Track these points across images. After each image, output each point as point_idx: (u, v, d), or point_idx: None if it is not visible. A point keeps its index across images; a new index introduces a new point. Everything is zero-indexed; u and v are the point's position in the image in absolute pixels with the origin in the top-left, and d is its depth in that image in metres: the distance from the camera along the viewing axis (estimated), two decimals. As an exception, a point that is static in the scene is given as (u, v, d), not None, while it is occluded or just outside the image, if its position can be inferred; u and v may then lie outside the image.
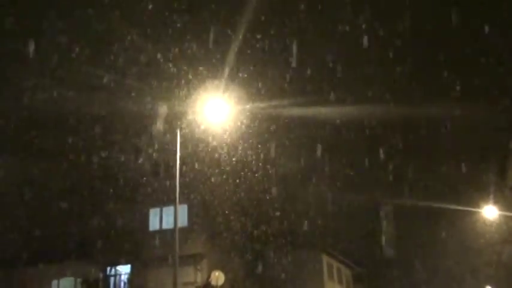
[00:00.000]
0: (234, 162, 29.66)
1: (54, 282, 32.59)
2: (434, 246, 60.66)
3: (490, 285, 59.65)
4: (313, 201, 37.84)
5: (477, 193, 33.83)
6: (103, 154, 28.84)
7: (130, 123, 27.44)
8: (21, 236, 29.36)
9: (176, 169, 19.58)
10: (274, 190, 32.25)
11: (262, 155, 30.24)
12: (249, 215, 31.90)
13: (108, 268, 30.85)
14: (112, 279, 31.69)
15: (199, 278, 30.09)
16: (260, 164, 30.55)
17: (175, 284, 21.87)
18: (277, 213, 34.15)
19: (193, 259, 29.49)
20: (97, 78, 24.92)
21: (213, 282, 29.33)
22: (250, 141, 28.52)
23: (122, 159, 29.77)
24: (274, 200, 32.82)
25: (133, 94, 25.56)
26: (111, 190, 29.33)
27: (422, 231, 56.81)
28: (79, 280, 29.73)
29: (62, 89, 25.51)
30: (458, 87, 29.01)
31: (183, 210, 28.45)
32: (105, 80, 25.07)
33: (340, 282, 49.11)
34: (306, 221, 37.91)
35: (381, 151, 32.80)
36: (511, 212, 33.00)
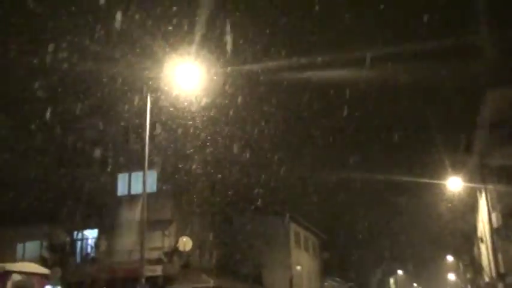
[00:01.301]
0: (203, 128, 29.61)
1: (20, 246, 32.36)
2: (399, 218, 62.16)
3: (450, 254, 61.79)
4: (282, 168, 38.16)
5: (442, 166, 34.57)
6: (72, 118, 28.42)
7: (99, 89, 27.03)
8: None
9: (146, 134, 19.44)
10: (244, 157, 32.36)
11: (232, 122, 30.27)
12: (218, 182, 32.04)
13: (75, 232, 30.74)
14: (79, 243, 31.62)
15: (167, 243, 30.25)
16: (230, 130, 30.60)
17: (142, 248, 21.97)
18: (246, 180, 34.37)
19: (161, 224, 29.57)
20: (65, 43, 24.33)
21: (181, 248, 29.55)
22: (221, 107, 28.44)
23: (91, 123, 29.41)
24: (244, 167, 33.00)
25: (103, 60, 25.10)
26: (80, 154, 29.05)
27: (387, 203, 58.14)
28: (45, 244, 29.56)
29: (29, 52, 24.89)
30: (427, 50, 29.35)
31: (151, 176, 28.44)
32: (74, 46, 24.53)
33: (306, 249, 50.10)
34: (274, 188, 38.33)
35: (347, 120, 33.09)
36: (474, 183, 33.87)
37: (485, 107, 26.44)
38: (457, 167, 33.39)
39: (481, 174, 32.88)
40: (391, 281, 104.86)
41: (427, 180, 37.08)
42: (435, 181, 33.85)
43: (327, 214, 47.99)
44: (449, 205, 41.06)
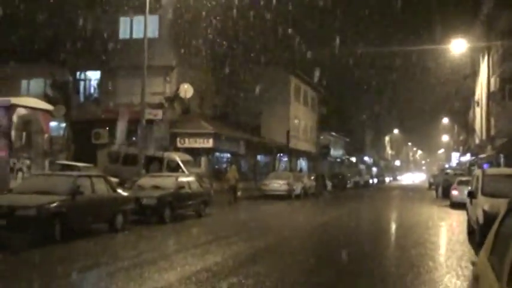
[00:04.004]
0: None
1: (24, 82, 33.00)
2: (400, 81, 62.22)
3: (446, 116, 63.03)
4: (286, 20, 37.53)
5: (446, 28, 33.96)
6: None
7: None
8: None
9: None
10: (249, 7, 31.60)
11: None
12: (222, 31, 31.67)
13: (78, 72, 31.14)
14: (82, 83, 32.19)
15: (168, 89, 30.83)
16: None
17: (143, 92, 22.58)
18: (250, 32, 33.95)
19: (162, 70, 29.92)
20: None
21: (182, 94, 30.16)
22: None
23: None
24: (248, 16, 32.36)
25: None
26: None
27: (390, 67, 57.81)
28: (48, 82, 30.08)
29: None
30: None
31: (154, 20, 28.13)
32: None
33: (305, 103, 51.08)
34: (278, 41, 38.02)
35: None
36: (479, 44, 33.61)
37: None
38: (462, 31, 32.87)
39: (486, 36, 32.51)
40: (387, 138, 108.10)
41: (431, 46, 36.68)
42: (439, 46, 33.49)
43: (328, 71, 48.01)
44: (450, 71, 41.08)
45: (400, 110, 74.53)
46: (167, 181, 17.73)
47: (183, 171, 23.30)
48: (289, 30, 37.67)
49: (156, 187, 17.03)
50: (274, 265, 9.65)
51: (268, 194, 29.81)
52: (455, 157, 62.56)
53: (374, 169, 77.24)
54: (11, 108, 16.76)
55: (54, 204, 11.41)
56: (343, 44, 46.19)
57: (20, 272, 8.61)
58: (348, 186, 49.14)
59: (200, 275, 8.28)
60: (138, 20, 28.17)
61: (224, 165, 34.91)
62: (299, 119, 48.52)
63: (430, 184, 51.03)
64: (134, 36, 30.00)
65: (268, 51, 36.89)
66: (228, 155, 36.21)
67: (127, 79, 29.25)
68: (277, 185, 30.50)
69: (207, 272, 8.54)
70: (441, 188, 33.22)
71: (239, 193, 28.27)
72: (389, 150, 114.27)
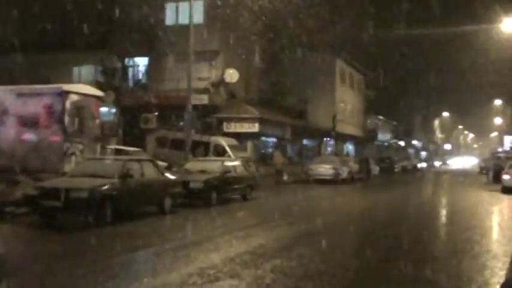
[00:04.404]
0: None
1: (76, 69, 34.03)
2: (449, 64, 60.53)
3: (499, 98, 61.11)
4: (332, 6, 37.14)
5: (497, 7, 32.76)
6: None
7: None
8: (45, 22, 29.83)
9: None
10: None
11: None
12: (266, 15, 31.65)
13: (127, 59, 31.83)
14: (130, 69, 32.90)
15: (214, 75, 31.14)
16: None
17: (189, 78, 22.94)
18: (296, 16, 33.75)
19: (208, 55, 30.21)
20: None
21: (227, 79, 30.46)
22: None
23: None
24: (294, 4, 32.24)
25: None
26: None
27: (438, 50, 56.41)
28: (99, 68, 30.91)
29: None
30: None
31: (199, 6, 28.40)
32: None
33: (351, 87, 50.51)
34: (323, 25, 37.65)
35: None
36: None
37: None
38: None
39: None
40: (436, 122, 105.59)
41: (480, 26, 35.54)
42: (489, 25, 32.39)
43: (375, 54, 47.26)
44: (503, 51, 39.75)
45: (450, 92, 72.49)
46: (213, 165, 18.07)
47: (229, 156, 23.65)
48: (335, 13, 37.29)
49: (203, 171, 17.38)
50: (317, 248, 9.75)
51: (314, 178, 29.81)
52: (508, 140, 60.74)
53: (423, 153, 75.86)
54: (63, 95, 17.37)
55: (105, 187, 11.87)
56: (389, 25, 45.34)
57: (74, 250, 9.04)
58: (396, 170, 48.52)
59: (244, 257, 8.49)
60: (184, 5, 28.51)
61: (270, 150, 35.08)
62: (345, 103, 48.09)
63: (481, 168, 49.69)
64: (180, 22, 30.35)
65: (314, 34, 36.57)
66: (274, 140, 36.34)
67: (174, 64, 29.69)
68: (323, 169, 30.43)
69: (251, 254, 8.74)
70: (492, 172, 32.31)
71: (285, 177, 28.43)
72: (439, 134, 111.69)
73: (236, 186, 18.16)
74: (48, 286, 6.81)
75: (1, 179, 14.39)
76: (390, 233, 12.08)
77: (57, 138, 17.10)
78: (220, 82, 30.56)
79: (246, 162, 22.01)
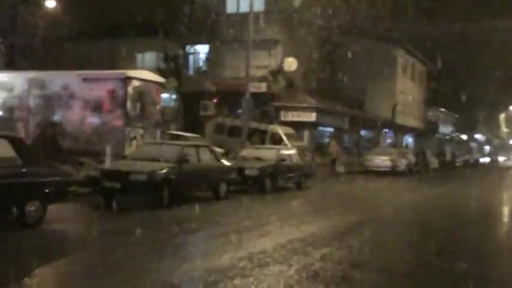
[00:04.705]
0: None
1: (139, 56, 34.98)
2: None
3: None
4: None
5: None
6: None
7: None
8: (110, 11, 30.87)
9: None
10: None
11: None
12: (327, 4, 31.40)
13: (188, 46, 32.41)
14: (191, 57, 33.51)
15: (273, 63, 31.24)
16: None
17: (247, 66, 23.18)
18: (357, 6, 33.34)
19: (267, 44, 30.32)
20: None
21: (286, 68, 30.49)
22: None
23: None
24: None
25: None
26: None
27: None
28: (161, 55, 31.67)
29: None
30: None
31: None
32: None
33: (412, 78, 49.37)
34: (385, 15, 37.01)
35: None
36: None
37: None
38: None
39: None
40: (502, 116, 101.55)
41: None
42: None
43: (438, 44, 45.96)
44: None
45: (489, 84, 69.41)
46: (269, 153, 18.28)
47: (285, 144, 23.79)
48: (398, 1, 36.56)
49: (259, 159, 17.62)
50: (368, 240, 9.77)
51: (371, 170, 29.52)
52: None
53: (486, 148, 73.29)
54: (126, 81, 17.93)
55: (163, 171, 12.29)
56: (453, 15, 44.02)
57: (132, 230, 9.47)
58: (457, 164, 47.24)
59: (294, 244, 8.64)
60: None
61: (327, 140, 34.93)
62: (406, 94, 47.03)
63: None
64: (241, 10, 30.59)
65: (376, 24, 36.01)
66: (331, 129, 36.14)
67: (233, 52, 29.99)
68: (380, 160, 30.10)
69: (301, 242, 8.88)
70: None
71: (341, 167, 28.29)
72: (504, 128, 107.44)
73: (291, 175, 18.30)
74: (111, 262, 7.21)
75: (66, 160, 15.15)
76: (444, 227, 11.90)
77: (119, 122, 17.67)
78: (279, 70, 30.63)
79: (301, 151, 22.10)
